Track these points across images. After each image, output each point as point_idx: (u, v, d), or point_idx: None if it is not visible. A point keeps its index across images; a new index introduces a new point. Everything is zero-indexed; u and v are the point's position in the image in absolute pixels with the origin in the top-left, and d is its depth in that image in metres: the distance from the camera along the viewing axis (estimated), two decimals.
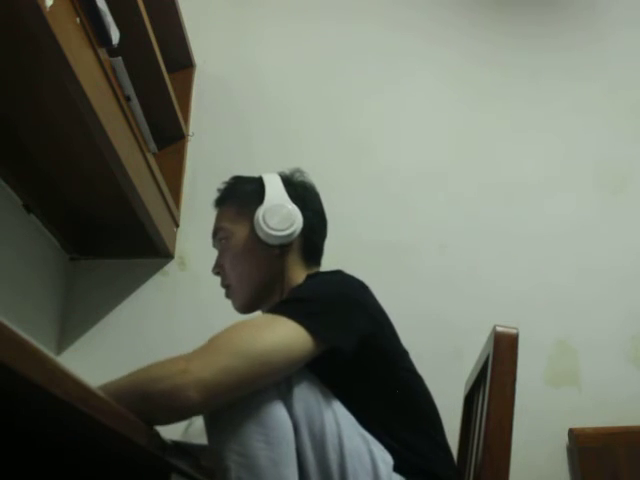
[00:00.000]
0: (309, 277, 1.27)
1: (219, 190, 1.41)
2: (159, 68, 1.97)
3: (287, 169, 1.39)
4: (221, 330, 1.03)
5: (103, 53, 1.48)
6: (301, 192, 1.35)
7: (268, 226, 1.28)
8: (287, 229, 1.28)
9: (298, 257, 1.32)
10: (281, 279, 1.29)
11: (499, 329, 1.14)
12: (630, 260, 2.23)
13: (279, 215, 1.28)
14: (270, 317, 1.07)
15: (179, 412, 0.98)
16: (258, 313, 1.34)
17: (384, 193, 2.30)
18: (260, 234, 1.29)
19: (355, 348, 1.08)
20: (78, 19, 1.33)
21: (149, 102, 1.87)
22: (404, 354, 1.22)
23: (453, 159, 2.35)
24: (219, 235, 1.36)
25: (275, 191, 1.32)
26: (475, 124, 2.40)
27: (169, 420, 0.98)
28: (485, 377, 1.17)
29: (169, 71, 2.09)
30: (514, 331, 1.13)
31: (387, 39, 2.49)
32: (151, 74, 1.96)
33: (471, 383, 1.38)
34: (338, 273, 1.23)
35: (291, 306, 1.08)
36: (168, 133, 2.22)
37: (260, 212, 1.29)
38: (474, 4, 2.55)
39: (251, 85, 2.41)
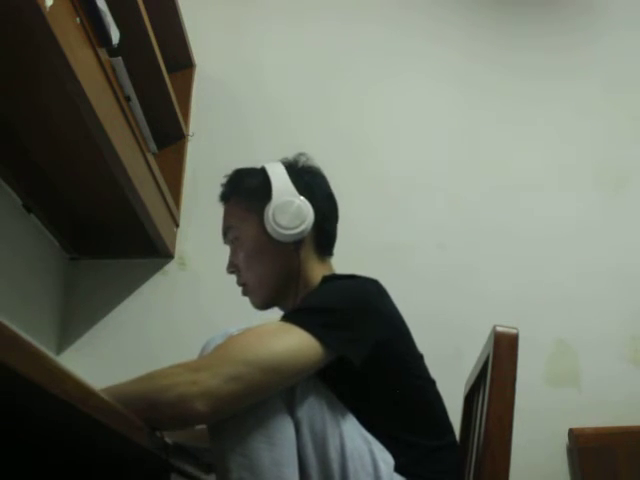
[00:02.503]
0: (324, 280, 1.25)
1: (223, 185, 1.37)
2: (159, 68, 1.97)
3: (290, 155, 1.36)
4: (229, 337, 1.02)
5: (103, 53, 1.48)
6: (308, 180, 1.32)
7: (279, 225, 1.25)
8: (299, 226, 1.25)
9: (312, 249, 1.30)
10: (297, 274, 1.27)
11: (499, 329, 1.14)
12: (630, 260, 2.23)
13: (289, 212, 1.25)
14: (281, 325, 1.06)
15: (185, 422, 0.97)
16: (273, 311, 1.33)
17: (384, 193, 2.30)
18: (272, 233, 1.26)
19: (366, 358, 1.07)
20: (78, 19, 1.33)
21: (149, 102, 1.87)
22: (419, 359, 1.21)
23: (453, 159, 2.35)
24: (230, 235, 1.34)
25: (281, 184, 1.28)
26: (475, 124, 2.40)
27: (174, 428, 0.98)
28: (485, 377, 1.16)
29: (169, 71, 2.09)
30: (514, 331, 1.13)
31: (387, 39, 2.49)
32: (151, 74, 1.96)
33: (471, 383, 1.38)
34: (353, 278, 1.21)
35: (303, 315, 1.07)
36: (168, 133, 2.21)
37: (269, 211, 1.26)
38: (474, 4, 2.55)
39: (251, 85, 2.41)
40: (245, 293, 1.34)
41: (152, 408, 0.92)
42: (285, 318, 1.07)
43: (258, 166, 1.38)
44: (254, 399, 0.99)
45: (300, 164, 1.35)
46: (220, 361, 0.97)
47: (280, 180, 1.29)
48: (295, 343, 1.02)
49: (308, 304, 1.14)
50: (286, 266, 1.28)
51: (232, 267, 1.34)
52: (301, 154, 1.36)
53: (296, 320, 1.05)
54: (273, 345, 1.00)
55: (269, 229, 1.26)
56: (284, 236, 1.26)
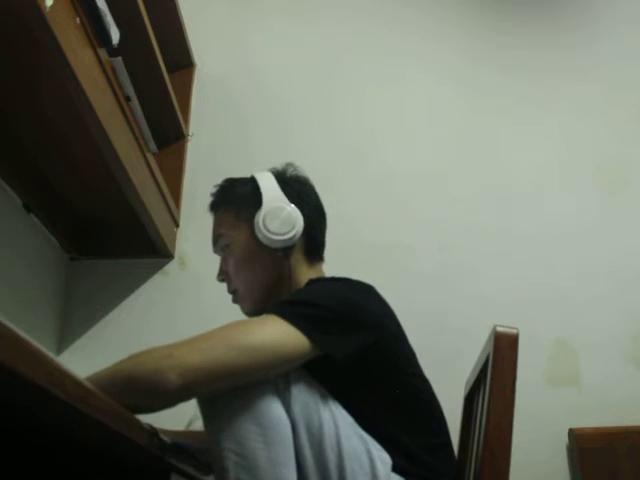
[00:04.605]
0: (311, 281, 1.26)
1: (213, 195, 1.39)
2: (159, 68, 1.97)
3: (279, 165, 1.38)
4: None
5: (103, 53, 1.48)
6: (297, 188, 1.34)
7: (269, 231, 1.26)
8: (289, 232, 1.27)
9: (302, 255, 1.31)
10: (288, 280, 1.28)
11: (499, 329, 1.13)
12: (630, 260, 2.23)
13: (279, 218, 1.27)
14: (265, 316, 1.07)
15: (160, 396, 0.97)
16: None
17: (384, 193, 2.30)
18: (262, 239, 1.27)
19: (350, 354, 1.07)
20: (78, 19, 1.33)
21: (149, 102, 1.87)
22: (411, 357, 1.21)
23: (453, 159, 2.35)
24: (220, 242, 1.35)
25: (271, 191, 1.31)
26: (475, 124, 2.40)
27: (151, 405, 0.98)
28: (485, 377, 1.16)
29: (169, 71, 2.09)
30: (514, 331, 1.13)
31: (387, 38, 2.49)
32: (151, 74, 1.96)
33: (471, 383, 1.38)
34: (341, 279, 1.21)
35: (286, 307, 1.08)
36: (168, 133, 2.22)
37: (260, 216, 1.27)
38: (474, 4, 2.55)
39: (251, 85, 2.41)
40: (235, 300, 1.35)
41: (129, 382, 0.95)
42: (269, 310, 1.09)
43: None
44: (230, 382, 1.00)
45: (288, 173, 1.36)
46: (200, 340, 1.00)
47: (270, 188, 1.31)
48: (276, 332, 1.03)
49: (292, 298, 1.15)
50: (275, 272, 1.29)
51: (222, 274, 1.35)
52: (289, 164, 1.37)
53: (279, 311, 1.06)
54: (253, 331, 1.03)
55: (259, 235, 1.28)
56: (274, 242, 1.27)
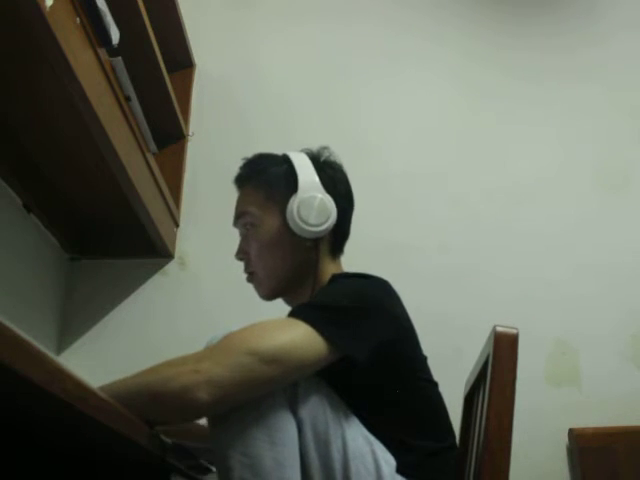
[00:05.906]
0: (334, 277, 1.23)
1: (242, 168, 1.33)
2: (159, 68, 1.97)
3: (314, 147, 1.32)
4: (235, 330, 1.01)
5: (103, 53, 1.48)
6: (331, 175, 1.29)
7: (304, 221, 1.22)
8: (323, 224, 1.23)
9: (328, 247, 1.28)
10: (312, 272, 1.24)
11: (499, 329, 1.13)
12: (629, 259, 2.23)
13: (315, 208, 1.22)
14: (286, 319, 1.05)
15: (189, 412, 0.97)
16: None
17: (385, 193, 2.30)
18: (293, 227, 1.23)
19: (369, 357, 1.06)
20: (78, 19, 1.33)
21: (149, 102, 1.87)
22: (423, 361, 1.21)
23: (454, 159, 2.35)
24: (244, 219, 1.29)
25: (307, 177, 1.25)
26: (475, 124, 2.40)
27: (180, 420, 0.97)
28: (485, 377, 1.16)
29: (169, 71, 2.09)
30: (514, 331, 1.13)
31: (387, 39, 2.49)
32: (151, 74, 1.96)
33: (471, 383, 1.38)
34: (363, 277, 1.19)
35: (309, 311, 1.06)
36: (168, 133, 2.21)
37: (294, 204, 1.22)
38: (475, 4, 2.55)
39: (251, 85, 2.41)
40: (251, 281, 1.31)
41: (156, 399, 0.92)
42: (291, 313, 1.07)
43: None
44: (257, 390, 0.98)
45: (323, 158, 1.31)
46: (223, 351, 0.97)
47: (306, 172, 1.26)
48: (299, 336, 1.01)
49: (315, 301, 1.13)
50: (300, 262, 1.25)
51: (242, 253, 1.30)
52: (324, 147, 1.32)
53: (301, 315, 1.04)
54: (276, 337, 0.99)
55: (290, 223, 1.23)
56: (307, 232, 1.23)
